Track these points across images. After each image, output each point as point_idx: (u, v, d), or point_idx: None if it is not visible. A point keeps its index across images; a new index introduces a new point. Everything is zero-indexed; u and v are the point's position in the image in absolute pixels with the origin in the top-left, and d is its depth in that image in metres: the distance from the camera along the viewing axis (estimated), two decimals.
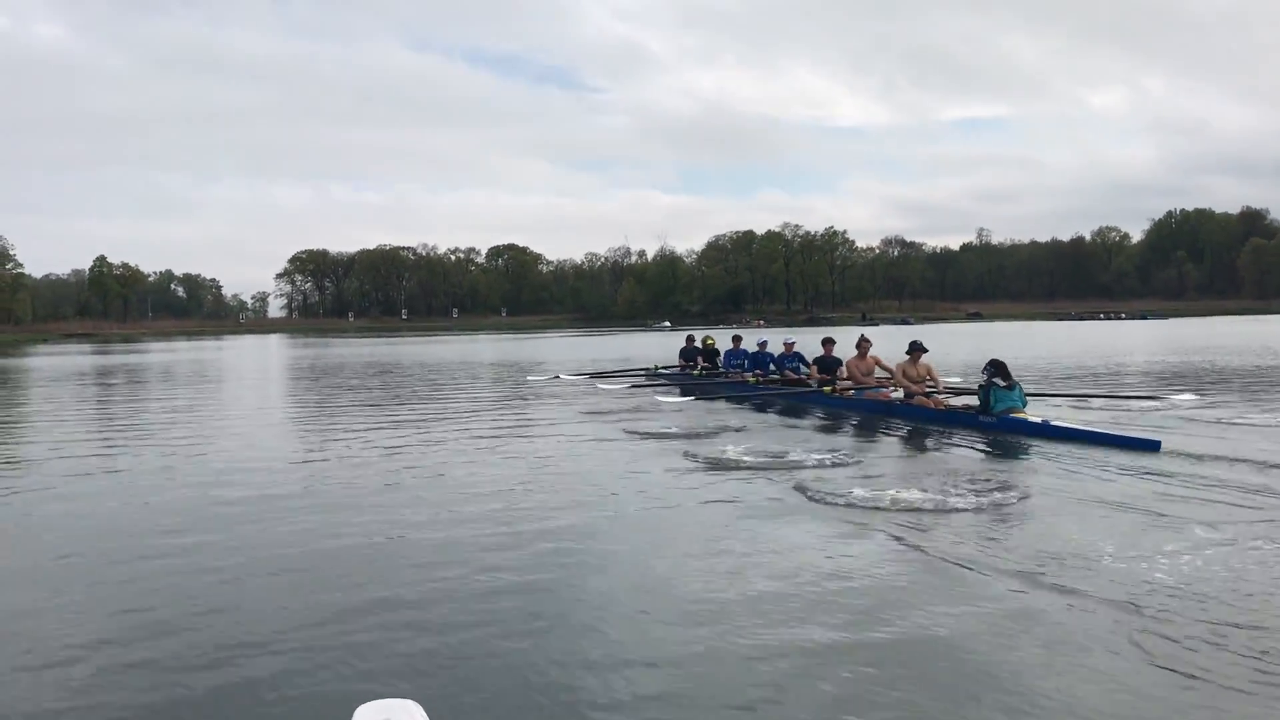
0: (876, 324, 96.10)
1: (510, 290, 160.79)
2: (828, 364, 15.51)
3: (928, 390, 13.21)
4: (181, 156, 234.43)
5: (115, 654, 4.45)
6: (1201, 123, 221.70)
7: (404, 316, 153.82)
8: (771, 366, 17.18)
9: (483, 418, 14.52)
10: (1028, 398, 11.83)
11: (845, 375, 14.99)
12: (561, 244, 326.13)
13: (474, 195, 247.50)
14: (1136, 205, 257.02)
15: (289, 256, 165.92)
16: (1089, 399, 14.97)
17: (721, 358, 19.49)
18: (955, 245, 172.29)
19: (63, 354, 55.70)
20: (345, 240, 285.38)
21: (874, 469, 8.99)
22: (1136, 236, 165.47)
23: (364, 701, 3.05)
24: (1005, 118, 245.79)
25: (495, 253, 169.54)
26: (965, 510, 7.03)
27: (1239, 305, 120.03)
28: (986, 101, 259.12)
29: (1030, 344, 40.99)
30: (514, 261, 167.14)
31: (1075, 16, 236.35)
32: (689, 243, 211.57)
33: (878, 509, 7.05)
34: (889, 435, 11.85)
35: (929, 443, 11.07)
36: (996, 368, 11.71)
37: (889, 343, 23.44)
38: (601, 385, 19.30)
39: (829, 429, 12.67)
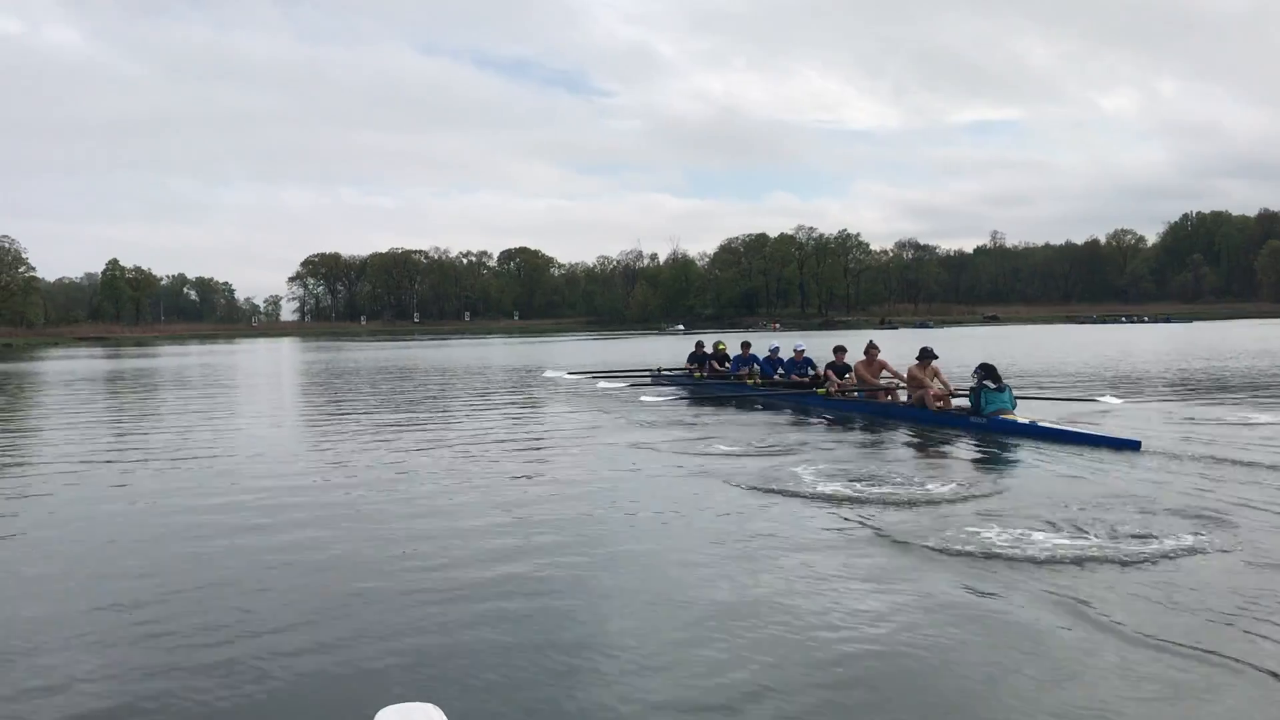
0: (895, 328, 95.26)
1: (522, 293, 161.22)
2: (838, 371, 15.60)
3: (935, 394, 13.19)
4: (193, 160, 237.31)
5: (134, 658, 4.49)
6: (1213, 125, 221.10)
7: (416, 320, 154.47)
8: (780, 372, 17.18)
9: (494, 420, 14.57)
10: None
11: (854, 381, 14.97)
12: (571, 247, 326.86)
13: (483, 198, 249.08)
14: (1149, 208, 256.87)
15: (301, 260, 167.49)
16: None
17: (730, 363, 19.53)
18: (968, 248, 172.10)
19: (75, 358, 56.03)
20: (356, 243, 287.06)
21: (861, 468, 9.22)
22: (1151, 239, 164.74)
23: (384, 705, 3.13)
24: (1016, 121, 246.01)
25: (507, 256, 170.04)
26: (950, 500, 7.51)
27: (1258, 309, 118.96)
28: (997, 104, 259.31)
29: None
30: (526, 265, 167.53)
31: (1086, 19, 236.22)
32: (699, 246, 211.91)
33: (863, 501, 7.51)
34: (879, 435, 12.13)
35: (920, 442, 11.47)
36: (987, 371, 12.17)
37: (907, 348, 22.41)
38: (602, 385, 19.35)
39: (819, 429, 12.98)
